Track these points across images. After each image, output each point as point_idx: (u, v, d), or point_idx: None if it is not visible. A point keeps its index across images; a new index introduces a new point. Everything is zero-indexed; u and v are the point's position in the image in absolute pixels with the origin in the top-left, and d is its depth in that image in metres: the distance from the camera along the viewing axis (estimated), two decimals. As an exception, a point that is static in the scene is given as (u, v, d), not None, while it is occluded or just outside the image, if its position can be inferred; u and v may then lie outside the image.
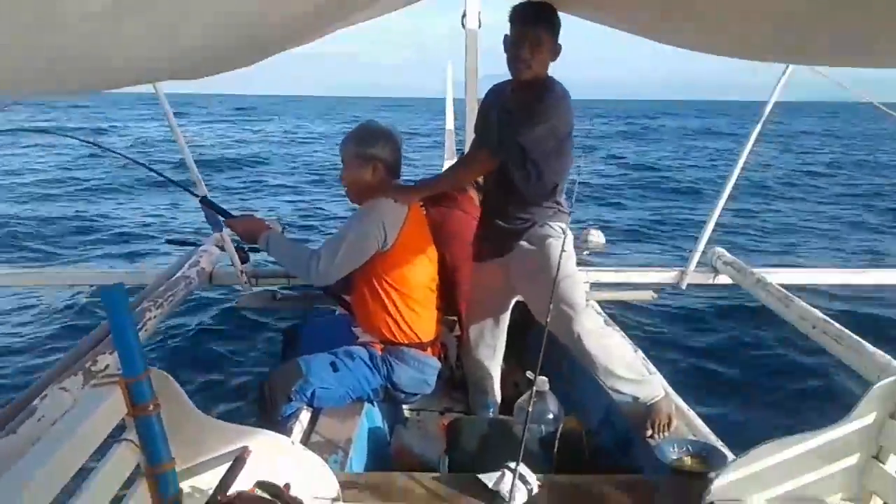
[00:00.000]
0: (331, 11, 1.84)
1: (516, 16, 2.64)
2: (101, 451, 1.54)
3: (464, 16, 4.39)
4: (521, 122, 2.67)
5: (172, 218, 12.31)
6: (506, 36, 2.68)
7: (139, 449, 1.60)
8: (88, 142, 4.85)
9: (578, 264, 3.07)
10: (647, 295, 4.21)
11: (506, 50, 2.68)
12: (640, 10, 2.26)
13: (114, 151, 4.43)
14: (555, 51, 2.66)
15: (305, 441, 2.45)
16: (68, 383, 2.16)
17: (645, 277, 4.19)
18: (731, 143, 29.45)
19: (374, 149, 2.81)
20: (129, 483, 1.60)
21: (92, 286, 5.48)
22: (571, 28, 2.91)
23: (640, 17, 2.40)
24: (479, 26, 4.41)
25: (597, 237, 4.09)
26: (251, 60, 1.93)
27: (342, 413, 2.69)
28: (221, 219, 3.07)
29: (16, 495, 1.20)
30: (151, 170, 3.66)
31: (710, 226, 3.96)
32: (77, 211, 12.75)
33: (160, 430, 1.60)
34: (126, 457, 1.58)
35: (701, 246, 4.02)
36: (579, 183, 2.84)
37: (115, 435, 1.59)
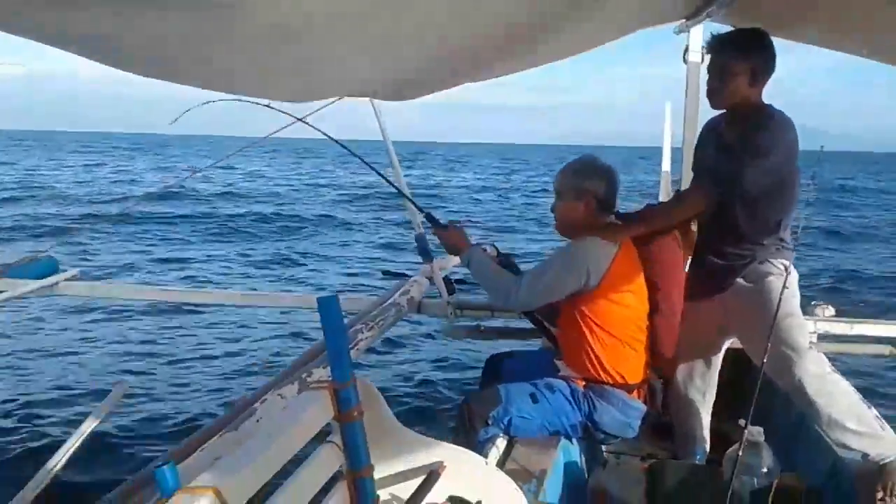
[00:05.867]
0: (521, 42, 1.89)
1: (707, 47, 2.68)
2: (308, 451, 1.63)
3: (686, 50, 4.22)
4: (740, 158, 2.54)
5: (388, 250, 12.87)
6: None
7: (342, 452, 1.67)
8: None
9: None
10: (885, 349, 3.73)
11: None
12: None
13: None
14: (754, 75, 2.54)
15: (500, 467, 2.44)
16: (285, 391, 2.32)
17: (881, 330, 3.73)
18: None
19: (589, 183, 2.75)
20: (330, 483, 1.67)
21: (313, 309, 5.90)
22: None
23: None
24: (702, 61, 4.21)
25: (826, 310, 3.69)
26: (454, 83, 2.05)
27: (538, 444, 2.65)
28: (429, 226, 3.13)
29: (227, 482, 1.29)
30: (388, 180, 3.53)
31: None
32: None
33: (363, 436, 1.66)
34: (330, 458, 1.65)
35: None
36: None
37: (322, 437, 1.68)
